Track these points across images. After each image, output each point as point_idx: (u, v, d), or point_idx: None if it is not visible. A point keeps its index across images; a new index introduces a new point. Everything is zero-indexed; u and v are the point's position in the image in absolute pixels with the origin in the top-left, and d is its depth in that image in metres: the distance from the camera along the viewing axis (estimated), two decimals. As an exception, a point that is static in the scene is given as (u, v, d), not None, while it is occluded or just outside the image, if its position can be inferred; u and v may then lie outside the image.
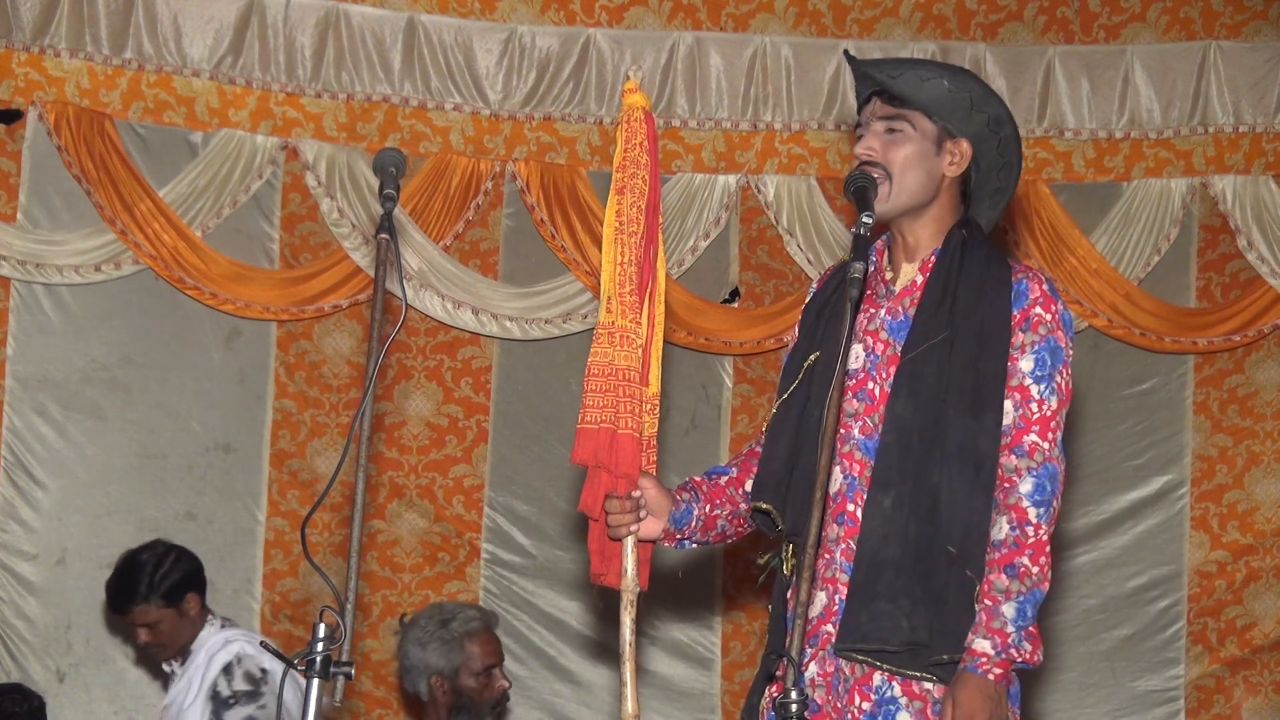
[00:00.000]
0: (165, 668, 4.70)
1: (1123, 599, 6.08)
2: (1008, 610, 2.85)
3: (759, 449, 3.18)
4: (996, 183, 3.14)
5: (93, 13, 5.67)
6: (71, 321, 5.78)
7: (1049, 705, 5.97)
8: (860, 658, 2.91)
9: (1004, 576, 2.87)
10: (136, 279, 5.79)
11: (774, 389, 3.21)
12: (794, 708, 2.57)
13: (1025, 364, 2.96)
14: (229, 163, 5.80)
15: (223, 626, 4.60)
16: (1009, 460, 2.92)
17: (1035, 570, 2.87)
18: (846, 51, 3.24)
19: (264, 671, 4.52)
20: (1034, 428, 2.93)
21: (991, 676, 2.84)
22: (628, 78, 3.09)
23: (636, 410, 3.00)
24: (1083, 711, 6.04)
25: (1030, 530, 2.89)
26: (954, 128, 3.05)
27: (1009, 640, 2.84)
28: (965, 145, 3.06)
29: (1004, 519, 2.90)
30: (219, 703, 4.52)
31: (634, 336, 3.01)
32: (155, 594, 4.49)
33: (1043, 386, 2.95)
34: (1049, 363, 2.96)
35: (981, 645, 2.85)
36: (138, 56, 5.73)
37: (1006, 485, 2.92)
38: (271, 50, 5.80)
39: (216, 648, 4.53)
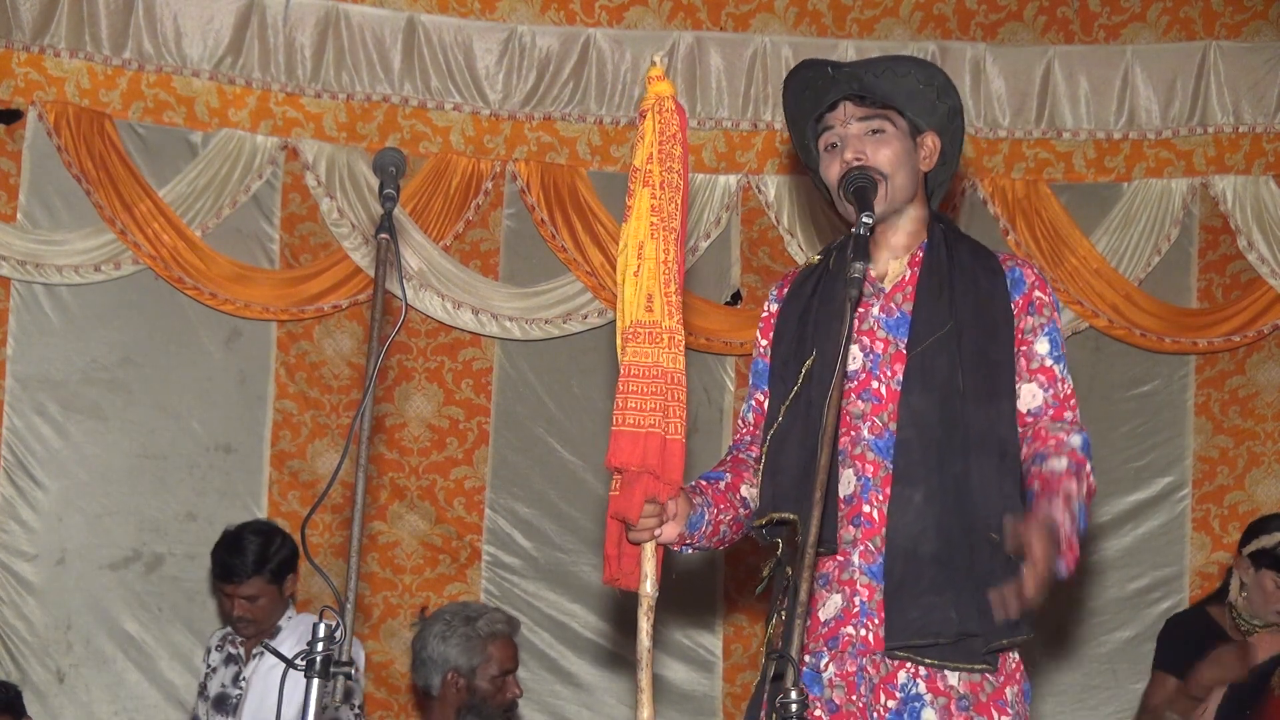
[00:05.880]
0: (232, 649, 4.94)
1: (1124, 601, 6.08)
2: (1065, 502, 2.83)
3: (743, 455, 3.17)
4: (943, 175, 3.15)
5: (93, 13, 5.67)
6: (71, 321, 5.78)
7: (1051, 707, 5.97)
8: (903, 654, 2.89)
9: (1057, 460, 2.86)
10: (136, 279, 5.79)
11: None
12: (794, 708, 2.55)
13: (1041, 346, 3.00)
14: (229, 163, 5.80)
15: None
16: (1054, 426, 2.94)
17: (1083, 495, 2.86)
18: (824, 61, 3.16)
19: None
20: (1067, 404, 2.98)
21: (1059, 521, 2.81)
22: (653, 63, 2.99)
23: (683, 414, 2.93)
24: (1084, 714, 6.03)
25: (1086, 473, 2.88)
26: (922, 122, 3.07)
27: (1074, 510, 2.82)
28: (934, 138, 3.09)
29: (1060, 459, 2.88)
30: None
31: (679, 337, 2.93)
32: (264, 569, 4.83)
33: (1061, 366, 3.00)
34: (1059, 343, 3.01)
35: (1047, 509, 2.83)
36: (138, 56, 5.73)
37: (1053, 442, 2.91)
38: (271, 50, 5.80)
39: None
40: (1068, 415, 2.95)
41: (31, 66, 5.66)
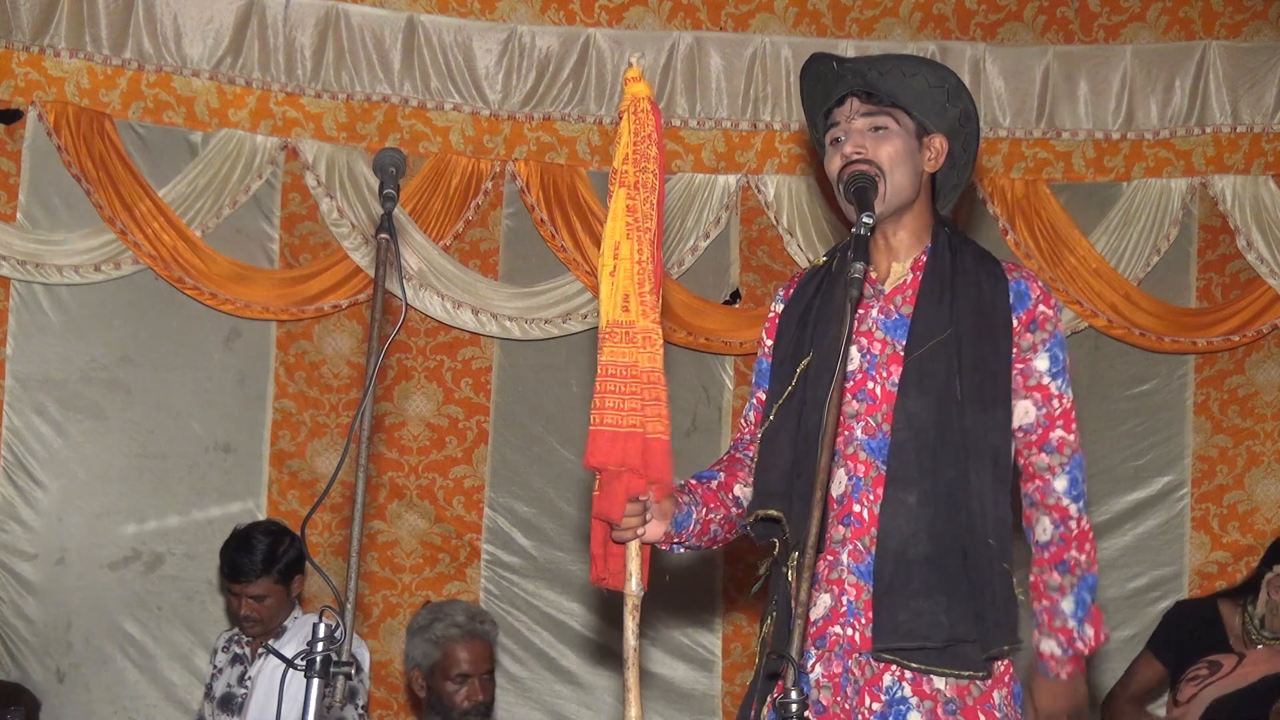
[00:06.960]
0: (238, 649, 4.95)
1: (1123, 600, 6.08)
2: (1065, 605, 2.92)
3: (740, 455, 3.18)
4: (955, 179, 3.15)
5: (93, 13, 5.67)
6: (71, 321, 5.78)
7: (1049, 706, 5.96)
8: (890, 657, 2.91)
9: (1055, 574, 2.94)
10: (136, 279, 5.79)
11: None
12: (794, 707, 2.56)
13: (1040, 363, 3.01)
14: (229, 163, 5.80)
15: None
16: (1040, 459, 2.98)
17: (1084, 558, 2.95)
18: (832, 55, 3.19)
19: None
20: (1058, 423, 2.99)
21: (1064, 675, 2.92)
22: (630, 65, 3.01)
23: (663, 413, 2.95)
24: (1083, 712, 6.03)
25: (1073, 525, 2.96)
26: (930, 123, 3.07)
27: (1073, 635, 2.92)
28: (941, 141, 3.09)
29: (1046, 519, 2.97)
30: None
31: (657, 338, 2.95)
32: (273, 569, 4.82)
33: (1060, 382, 3.01)
34: (1060, 358, 3.03)
35: (1048, 646, 2.93)
36: (138, 56, 5.73)
37: (1039, 483, 2.97)
38: (271, 50, 5.80)
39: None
40: (1055, 435, 2.98)
41: (31, 66, 5.66)
